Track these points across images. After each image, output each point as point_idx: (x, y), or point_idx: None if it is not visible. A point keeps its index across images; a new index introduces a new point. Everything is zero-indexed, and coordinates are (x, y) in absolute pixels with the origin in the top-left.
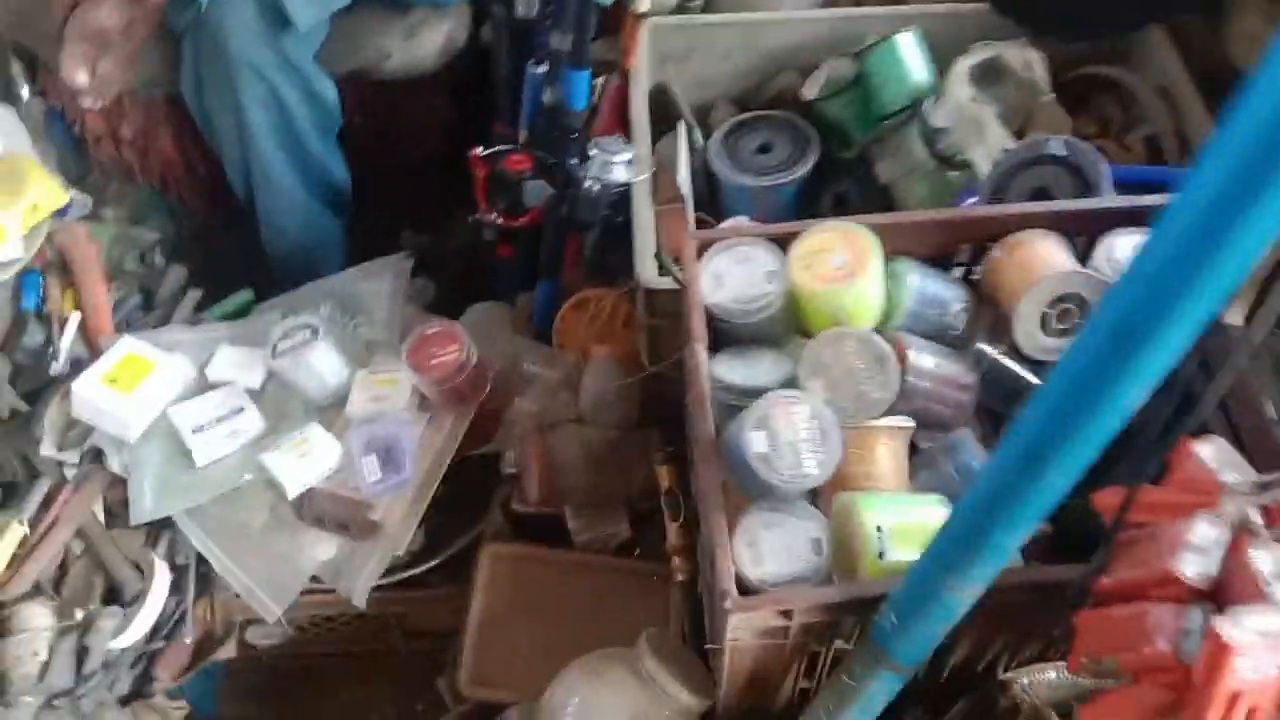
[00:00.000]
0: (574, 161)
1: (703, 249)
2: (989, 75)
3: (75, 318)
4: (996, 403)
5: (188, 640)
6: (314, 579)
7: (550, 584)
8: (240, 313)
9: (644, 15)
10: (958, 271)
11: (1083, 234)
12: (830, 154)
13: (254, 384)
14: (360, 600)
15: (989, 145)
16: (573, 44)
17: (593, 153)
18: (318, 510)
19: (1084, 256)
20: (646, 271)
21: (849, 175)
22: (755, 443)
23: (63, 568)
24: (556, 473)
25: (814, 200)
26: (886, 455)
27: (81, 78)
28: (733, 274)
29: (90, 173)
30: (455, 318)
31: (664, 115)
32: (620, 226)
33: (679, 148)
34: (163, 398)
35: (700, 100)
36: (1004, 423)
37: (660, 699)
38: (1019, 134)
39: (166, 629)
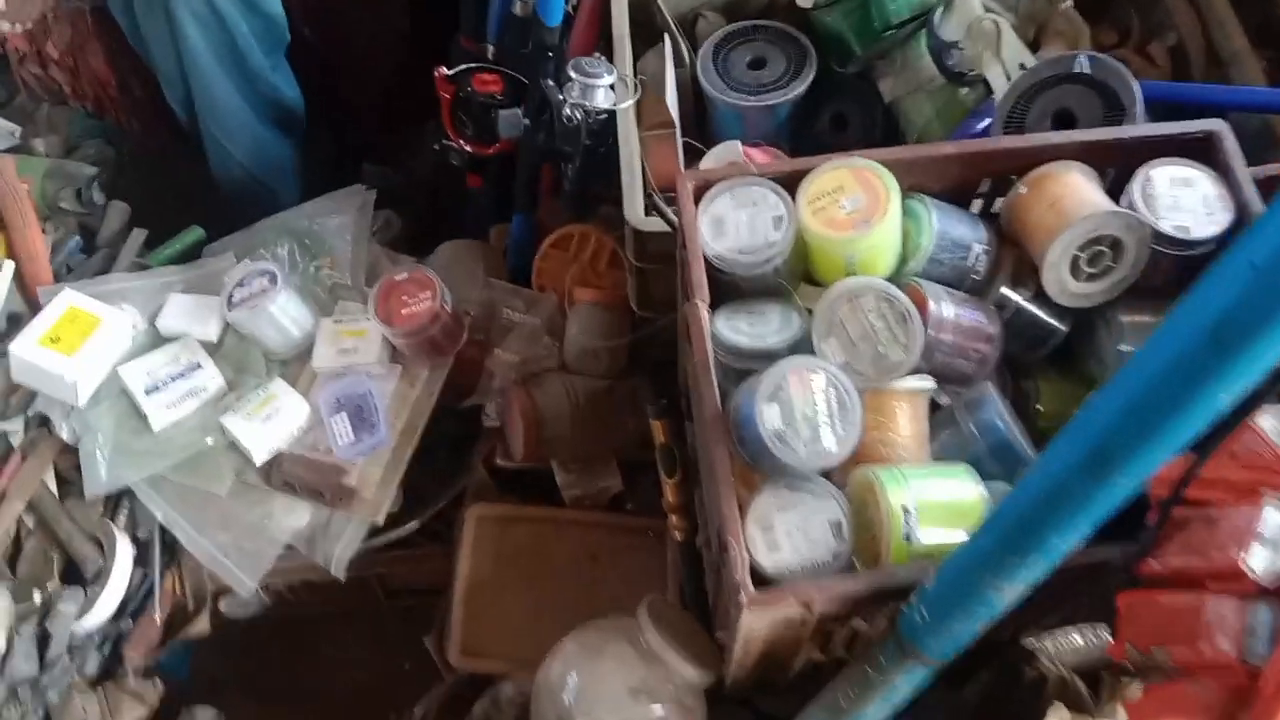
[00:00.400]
0: (549, 83)
1: (700, 190)
2: None
3: (9, 267)
4: (1020, 350)
5: (157, 616)
6: (288, 547)
7: (539, 544)
8: (190, 253)
9: None
10: (976, 206)
11: (1114, 164)
12: (828, 69)
13: (210, 336)
14: (339, 571)
15: (1005, 61)
16: None
17: (571, 75)
18: (287, 476)
19: (1115, 189)
20: (635, 212)
21: (849, 92)
22: (768, 418)
23: (16, 543)
24: (542, 427)
25: (811, 120)
26: (907, 419)
27: None
28: (735, 219)
29: (16, 95)
30: (424, 253)
31: (646, 26)
32: (603, 155)
33: (665, 65)
34: (111, 355)
35: (685, 8)
36: (1026, 371)
37: (664, 674)
38: (1033, 44)
39: (134, 605)
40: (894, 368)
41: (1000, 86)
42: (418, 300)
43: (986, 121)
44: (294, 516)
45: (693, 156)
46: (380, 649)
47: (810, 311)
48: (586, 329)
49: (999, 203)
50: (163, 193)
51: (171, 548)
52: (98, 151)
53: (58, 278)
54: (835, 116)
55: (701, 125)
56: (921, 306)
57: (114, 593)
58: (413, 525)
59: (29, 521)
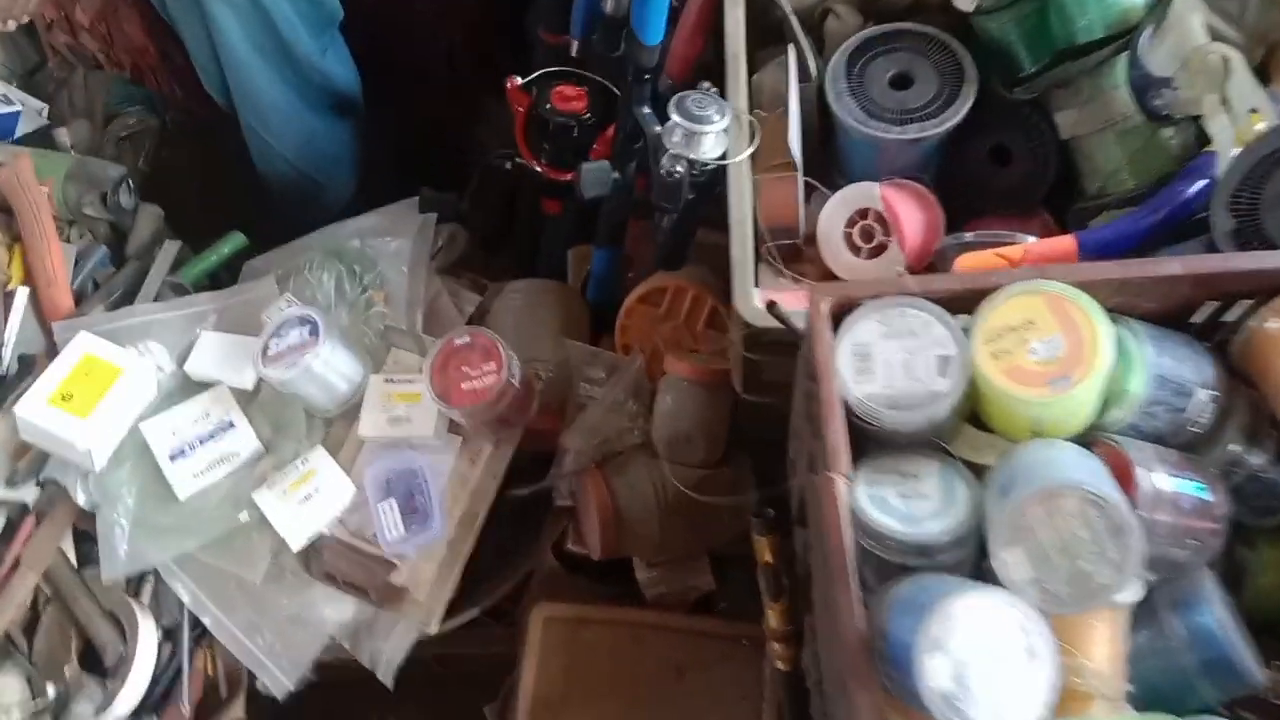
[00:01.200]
0: (645, 112)
1: (841, 311)
2: None
3: (22, 295)
4: (1245, 516)
5: (185, 707)
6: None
7: (616, 652)
8: (229, 263)
9: None
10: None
11: None
12: (989, 87)
13: (245, 384)
14: (387, 676)
15: (1233, 107)
16: None
17: (673, 117)
18: (329, 567)
19: None
20: (748, 305)
21: (1015, 121)
22: (932, 674)
23: (34, 609)
24: (623, 524)
25: (964, 148)
26: (1104, 642)
27: None
28: (885, 354)
29: (45, 63)
30: (493, 275)
31: (761, 25)
32: (709, 206)
33: (788, 86)
34: (132, 410)
35: (811, 1)
36: (1246, 538)
37: None
38: (1261, 72)
39: (161, 687)
40: (1099, 591)
41: (1225, 142)
42: (481, 373)
43: (1199, 185)
44: (337, 608)
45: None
46: (433, 715)
47: (978, 474)
48: (679, 410)
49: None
50: (208, 170)
51: (201, 622)
52: (139, 120)
53: (81, 296)
54: (996, 149)
55: (823, 150)
56: (1126, 478)
57: (136, 687)
58: (471, 613)
59: (46, 589)
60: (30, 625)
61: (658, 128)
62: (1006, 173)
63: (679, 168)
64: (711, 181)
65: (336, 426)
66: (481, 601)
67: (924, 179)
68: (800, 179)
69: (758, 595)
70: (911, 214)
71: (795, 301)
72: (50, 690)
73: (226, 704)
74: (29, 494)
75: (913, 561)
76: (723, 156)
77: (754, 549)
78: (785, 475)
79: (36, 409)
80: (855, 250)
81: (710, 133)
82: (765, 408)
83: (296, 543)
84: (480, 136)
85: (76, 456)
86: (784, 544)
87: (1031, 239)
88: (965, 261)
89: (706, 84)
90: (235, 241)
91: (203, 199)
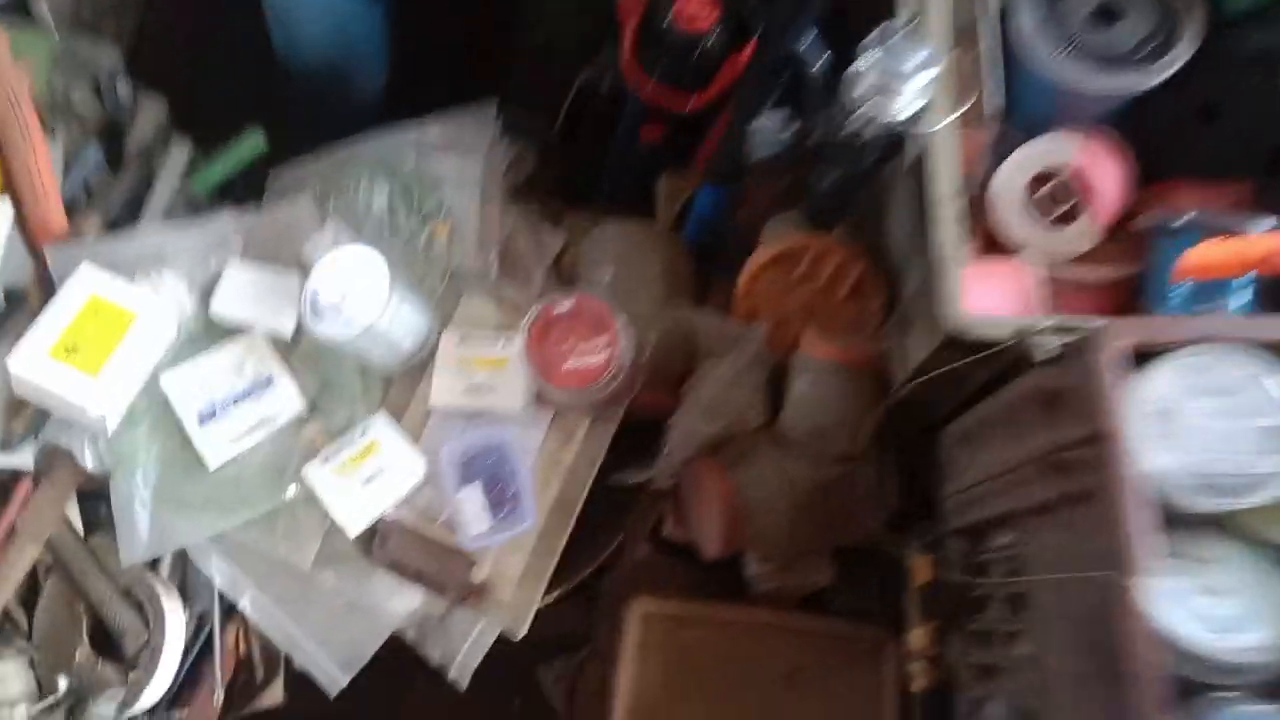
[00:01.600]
0: (806, 48)
1: (1141, 355)
2: None
3: (5, 211)
4: None
5: (216, 691)
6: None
7: (721, 653)
8: (248, 169)
9: None
10: None
11: None
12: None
13: (284, 329)
14: (463, 678)
15: None
16: None
17: (865, 66)
18: (394, 554)
19: None
20: (953, 308)
21: (1231, 71)
22: None
23: (32, 578)
24: (749, 520)
25: (1163, 100)
26: None
27: None
28: (1193, 415)
29: None
30: (555, 193)
31: None
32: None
33: (979, 18)
34: (148, 361)
35: None
36: None
37: None
38: None
39: (186, 667)
40: None
41: None
42: (591, 349)
43: None
44: (402, 599)
45: None
46: (486, 683)
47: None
48: (820, 397)
49: None
50: (207, 48)
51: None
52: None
53: (72, 207)
54: (1205, 107)
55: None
56: None
57: (162, 679)
58: (553, 596)
59: (47, 559)
60: (29, 597)
61: (818, 67)
62: (1213, 133)
63: (867, 130)
64: (899, 139)
65: (397, 386)
66: (565, 584)
67: (1110, 129)
68: (994, 128)
69: (873, 591)
70: (1108, 179)
71: (999, 285)
72: (61, 683)
73: (264, 686)
74: (27, 457)
75: (1219, 680)
76: (919, 114)
77: (908, 568)
78: (931, 478)
79: (36, 364)
80: (1037, 217)
81: (908, 89)
82: (916, 403)
83: (355, 528)
84: (527, 18)
85: (86, 420)
86: (940, 566)
87: (1266, 224)
88: (1196, 256)
89: (905, 18)
90: (254, 143)
91: (200, 81)
